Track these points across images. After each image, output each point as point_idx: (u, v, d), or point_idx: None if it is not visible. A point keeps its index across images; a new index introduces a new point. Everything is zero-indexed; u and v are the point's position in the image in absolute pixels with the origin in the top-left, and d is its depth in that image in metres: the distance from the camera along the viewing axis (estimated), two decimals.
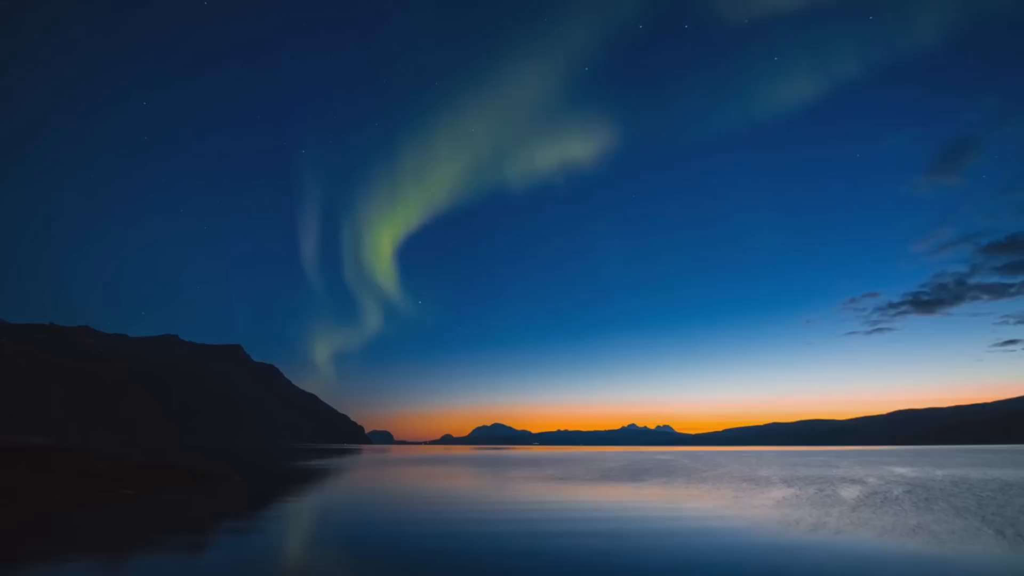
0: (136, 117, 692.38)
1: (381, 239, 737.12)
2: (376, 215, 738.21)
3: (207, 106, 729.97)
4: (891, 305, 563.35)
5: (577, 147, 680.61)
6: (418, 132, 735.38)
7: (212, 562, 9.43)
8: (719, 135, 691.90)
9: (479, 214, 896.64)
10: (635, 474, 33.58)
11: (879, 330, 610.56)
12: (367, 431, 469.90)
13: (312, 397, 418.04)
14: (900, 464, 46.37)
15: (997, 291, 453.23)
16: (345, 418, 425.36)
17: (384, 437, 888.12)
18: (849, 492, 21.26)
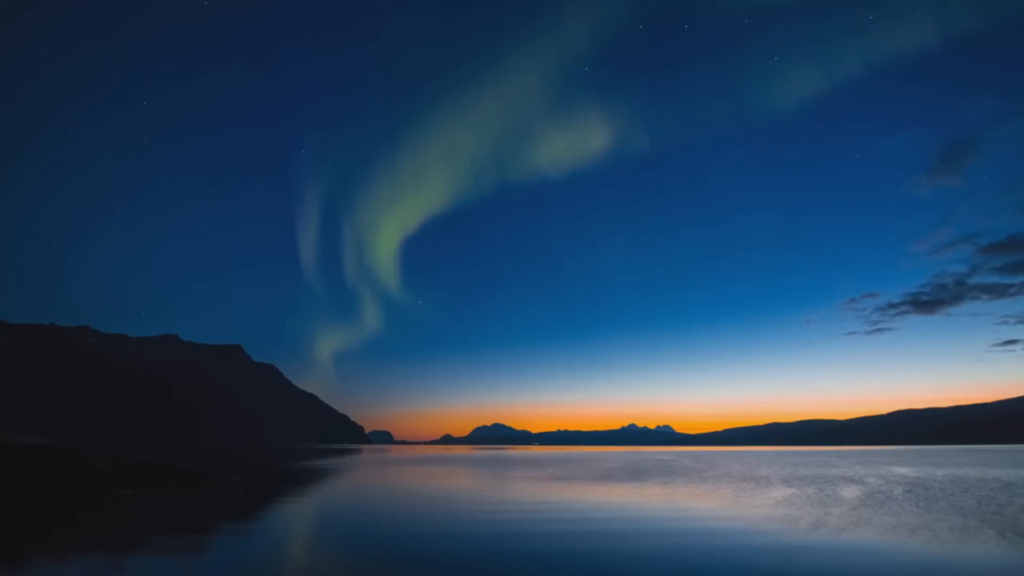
0: (136, 117, 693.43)
1: (381, 239, 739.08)
2: (376, 215, 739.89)
3: (207, 106, 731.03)
4: (891, 305, 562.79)
5: (577, 147, 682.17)
6: (418, 132, 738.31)
7: (212, 562, 9.43)
8: (719, 135, 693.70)
9: (479, 214, 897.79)
10: (635, 474, 33.58)
11: (879, 330, 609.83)
12: (367, 431, 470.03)
13: (312, 397, 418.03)
14: (900, 464, 46.38)
15: (997, 291, 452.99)
16: (345, 418, 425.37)
17: (384, 437, 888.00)
18: (849, 492, 21.26)
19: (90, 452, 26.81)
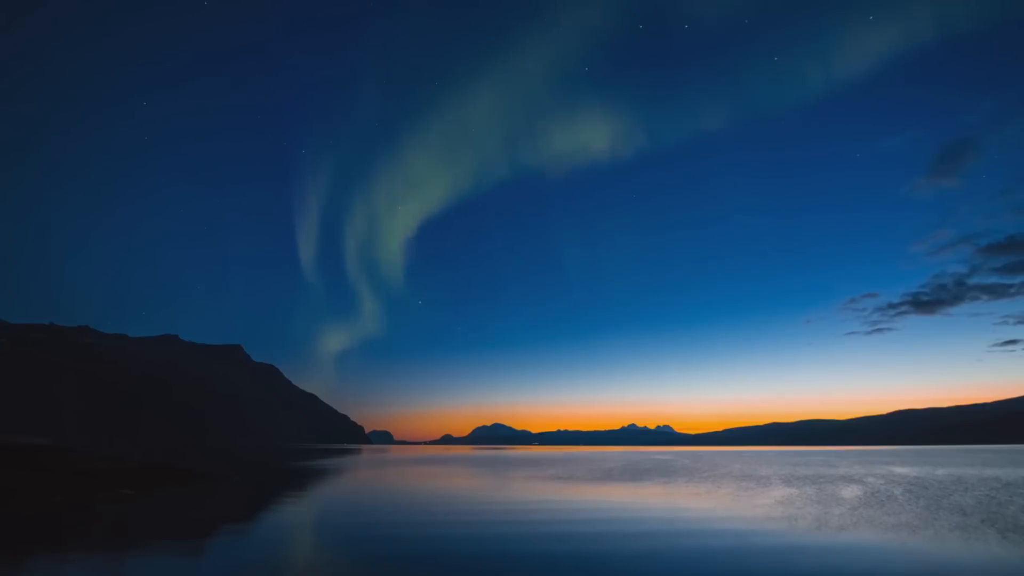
0: (136, 118, 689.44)
1: (381, 239, 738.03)
2: (375, 215, 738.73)
3: (207, 107, 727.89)
4: (891, 305, 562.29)
5: (577, 147, 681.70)
6: (417, 132, 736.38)
7: (212, 562, 9.42)
8: (719, 135, 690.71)
9: (478, 214, 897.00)
10: (635, 474, 33.58)
11: (879, 330, 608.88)
12: (367, 431, 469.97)
13: (312, 397, 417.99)
14: (900, 464, 46.39)
15: (997, 291, 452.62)
16: (345, 418, 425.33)
17: (384, 437, 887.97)
18: (849, 492, 21.26)
19: (90, 452, 26.81)
